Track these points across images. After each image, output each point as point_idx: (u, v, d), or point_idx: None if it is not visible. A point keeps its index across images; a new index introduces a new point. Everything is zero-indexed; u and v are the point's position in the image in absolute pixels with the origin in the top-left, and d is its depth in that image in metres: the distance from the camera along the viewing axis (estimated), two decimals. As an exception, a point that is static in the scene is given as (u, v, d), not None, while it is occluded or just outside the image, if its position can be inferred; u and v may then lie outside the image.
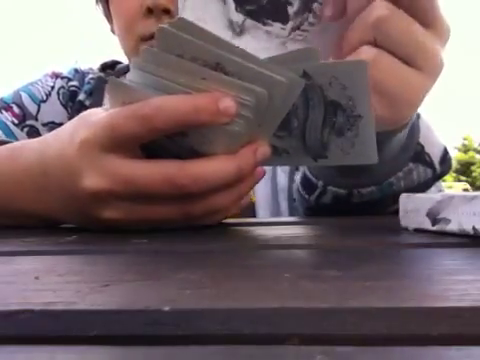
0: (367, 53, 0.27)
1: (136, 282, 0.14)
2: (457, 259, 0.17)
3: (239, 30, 0.29)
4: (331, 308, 0.11)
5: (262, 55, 0.26)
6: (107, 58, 0.67)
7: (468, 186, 14.61)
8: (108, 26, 0.61)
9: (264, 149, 0.28)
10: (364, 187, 0.37)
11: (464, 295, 0.12)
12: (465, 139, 20.72)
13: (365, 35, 0.28)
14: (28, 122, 0.57)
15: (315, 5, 0.29)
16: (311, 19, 0.30)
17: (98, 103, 0.58)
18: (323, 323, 0.10)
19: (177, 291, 0.13)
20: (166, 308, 0.11)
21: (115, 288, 0.14)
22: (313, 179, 0.40)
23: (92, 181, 0.27)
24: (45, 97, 0.59)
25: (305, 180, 0.42)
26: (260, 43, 0.29)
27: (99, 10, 0.61)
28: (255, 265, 0.17)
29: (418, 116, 0.38)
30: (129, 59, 0.59)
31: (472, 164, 20.12)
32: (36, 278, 0.15)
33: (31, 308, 0.11)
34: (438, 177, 0.40)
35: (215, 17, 0.28)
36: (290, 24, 0.30)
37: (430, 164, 0.38)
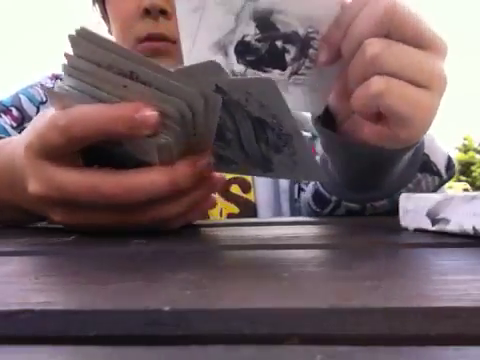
0: (377, 83, 0.28)
1: (136, 282, 0.14)
2: (457, 259, 0.17)
3: None
4: (331, 308, 0.11)
5: None
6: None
7: (468, 186, 14.61)
8: (106, 27, 0.61)
9: (203, 161, 0.27)
10: (377, 201, 0.38)
11: (464, 295, 0.12)
12: (465, 139, 20.72)
13: (366, 71, 0.29)
14: (26, 125, 0.57)
15: (311, 51, 0.31)
16: (307, 63, 0.32)
17: None
18: (323, 323, 0.10)
19: (177, 291, 0.13)
20: (166, 308, 0.11)
21: (115, 288, 0.14)
22: (326, 194, 0.41)
23: (34, 187, 0.28)
24: (44, 98, 0.59)
25: (317, 195, 0.42)
26: None
27: (96, 11, 0.61)
28: (255, 265, 0.17)
29: None
30: None
31: (472, 164, 20.12)
32: (36, 278, 0.15)
33: (31, 308, 0.11)
34: (443, 183, 0.41)
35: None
36: (288, 70, 0.32)
37: (437, 172, 0.39)
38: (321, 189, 0.41)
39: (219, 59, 0.31)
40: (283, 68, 0.32)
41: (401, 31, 0.28)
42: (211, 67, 0.24)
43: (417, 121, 0.30)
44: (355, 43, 0.29)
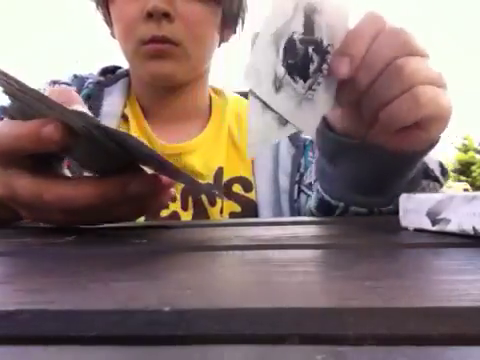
0: (425, 92, 0.30)
1: (136, 282, 0.14)
2: (457, 259, 0.17)
3: (278, 85, 0.30)
4: (331, 308, 0.11)
5: (291, 115, 0.29)
6: (107, 61, 0.68)
7: (468, 186, 14.61)
8: (108, 30, 0.61)
9: (134, 187, 0.29)
10: (385, 206, 0.39)
11: (464, 295, 0.12)
12: (465, 139, 20.71)
13: (403, 85, 0.30)
14: None
15: (324, 66, 0.31)
16: (319, 79, 0.31)
17: (95, 107, 0.58)
18: (323, 323, 0.10)
19: (177, 291, 0.13)
20: (166, 308, 0.11)
21: (115, 288, 0.14)
22: (332, 201, 0.41)
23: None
24: None
25: (322, 205, 0.43)
26: (290, 101, 0.30)
27: (99, 15, 0.61)
28: (255, 265, 0.17)
29: None
30: (130, 62, 0.59)
31: (472, 164, 20.11)
32: (36, 278, 0.15)
33: (31, 308, 0.11)
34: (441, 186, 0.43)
35: (267, 64, 0.29)
36: (308, 83, 0.31)
37: (436, 178, 0.41)
38: (326, 197, 0.42)
39: (272, 54, 0.29)
40: (306, 79, 0.30)
41: (412, 47, 0.31)
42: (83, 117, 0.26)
43: (446, 119, 0.32)
44: (382, 60, 0.31)
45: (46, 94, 0.30)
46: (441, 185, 0.42)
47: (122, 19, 0.55)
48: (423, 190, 0.40)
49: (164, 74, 0.55)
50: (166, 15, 0.51)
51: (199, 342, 0.10)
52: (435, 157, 0.44)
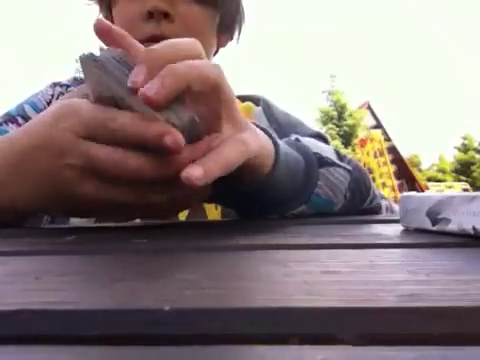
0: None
1: (136, 282, 0.14)
2: (457, 259, 0.17)
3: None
4: (331, 308, 0.11)
5: None
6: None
7: (468, 186, 14.61)
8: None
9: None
10: (294, 209, 0.41)
11: (464, 295, 0.12)
12: (465, 139, 20.72)
13: None
14: None
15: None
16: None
17: None
18: (323, 323, 0.10)
19: (177, 291, 0.13)
20: (166, 308, 0.11)
21: (115, 288, 0.14)
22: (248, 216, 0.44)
23: (70, 158, 0.30)
24: (47, 105, 0.62)
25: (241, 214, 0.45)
26: None
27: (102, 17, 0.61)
28: (255, 264, 0.17)
29: (297, 139, 0.45)
30: None
31: (472, 164, 20.11)
32: (36, 278, 0.15)
33: (31, 308, 0.11)
34: (355, 175, 0.46)
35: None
36: None
37: (332, 163, 0.44)
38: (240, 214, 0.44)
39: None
40: None
41: None
42: None
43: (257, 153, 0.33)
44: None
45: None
46: (344, 168, 0.45)
47: (123, 19, 0.55)
48: (325, 178, 0.42)
49: None
50: (166, 15, 0.52)
51: (199, 342, 0.10)
52: (325, 146, 0.47)
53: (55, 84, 0.65)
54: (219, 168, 0.28)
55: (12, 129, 0.58)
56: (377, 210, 0.51)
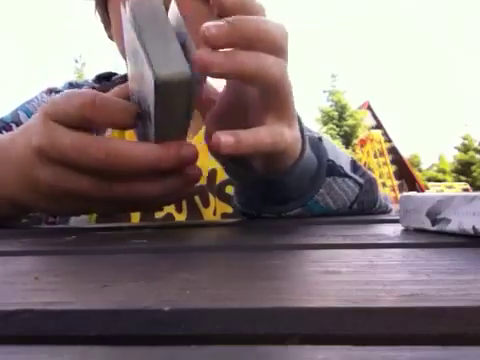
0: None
1: (136, 282, 0.14)
2: (457, 259, 0.17)
3: None
4: (331, 308, 0.11)
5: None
6: (106, 61, 0.68)
7: (468, 186, 14.61)
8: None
9: (189, 148, 0.31)
10: (291, 210, 0.41)
11: (464, 295, 0.12)
12: (465, 139, 20.71)
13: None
14: None
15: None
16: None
17: None
18: (323, 323, 0.10)
19: (177, 291, 0.13)
20: (166, 308, 0.11)
21: (115, 288, 0.14)
22: (247, 211, 0.43)
23: (37, 139, 0.30)
24: None
25: (241, 211, 0.45)
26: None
27: (98, 17, 0.61)
28: (255, 265, 0.17)
29: (320, 139, 0.43)
30: (125, 60, 0.59)
31: (472, 164, 20.11)
32: (36, 278, 0.15)
33: (31, 308, 0.11)
34: (366, 188, 0.45)
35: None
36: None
37: (345, 175, 0.43)
38: (241, 208, 0.44)
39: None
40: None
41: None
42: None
43: (280, 154, 0.33)
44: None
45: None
46: (354, 181, 0.43)
47: (119, 14, 0.55)
48: (330, 186, 0.41)
49: None
50: None
51: (199, 342, 0.10)
52: (346, 154, 0.46)
53: (50, 90, 0.65)
54: (249, 146, 0.28)
55: None
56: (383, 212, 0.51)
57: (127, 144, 0.30)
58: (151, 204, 0.34)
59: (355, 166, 0.45)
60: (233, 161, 0.36)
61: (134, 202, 0.33)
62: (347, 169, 0.44)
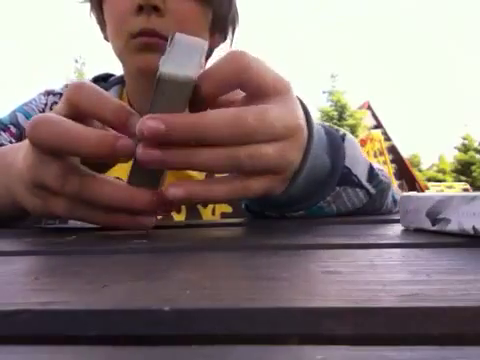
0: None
1: (136, 282, 0.14)
2: (457, 259, 0.17)
3: None
4: (331, 308, 0.11)
5: None
6: (106, 61, 0.68)
7: (468, 186, 14.61)
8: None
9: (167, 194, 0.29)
10: (295, 212, 0.40)
11: (464, 295, 0.12)
12: (465, 139, 20.71)
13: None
14: (24, 139, 0.59)
15: None
16: None
17: None
18: (323, 323, 0.10)
19: (177, 291, 0.13)
20: (166, 308, 0.11)
21: (115, 288, 0.14)
22: (250, 207, 0.43)
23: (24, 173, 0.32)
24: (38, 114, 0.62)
25: (245, 207, 0.45)
26: None
27: (93, 18, 0.61)
28: (255, 265, 0.17)
29: (343, 138, 0.40)
30: (121, 60, 0.59)
31: (472, 164, 20.10)
32: (36, 278, 0.15)
33: (31, 308, 0.11)
34: (376, 198, 0.42)
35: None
36: None
37: (358, 184, 0.40)
38: (243, 204, 0.44)
39: None
40: None
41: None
42: None
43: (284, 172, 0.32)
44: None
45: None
46: (368, 192, 0.41)
47: (114, 13, 0.55)
48: (338, 195, 0.39)
49: (152, 68, 0.55)
50: (156, 9, 0.52)
51: (199, 342, 0.10)
52: (366, 159, 0.42)
53: (48, 93, 0.65)
54: (201, 198, 0.29)
55: (5, 139, 0.58)
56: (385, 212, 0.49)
57: (104, 185, 0.30)
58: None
59: (372, 174, 0.42)
60: None
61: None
62: (363, 179, 0.40)
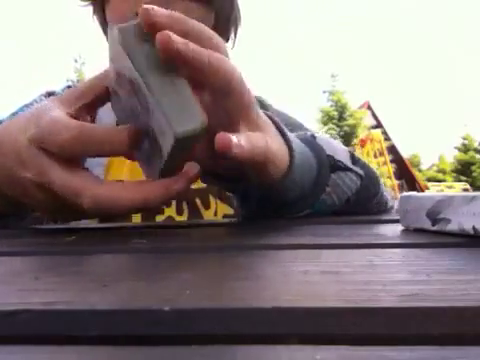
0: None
1: (136, 282, 0.14)
2: (457, 259, 0.17)
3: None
4: (331, 308, 0.11)
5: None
6: (105, 61, 0.68)
7: (468, 186, 14.60)
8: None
9: (176, 186, 0.30)
10: (295, 213, 0.40)
11: (464, 295, 0.12)
12: (465, 139, 20.71)
13: None
14: None
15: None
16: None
17: None
18: (323, 323, 0.10)
19: (177, 291, 0.13)
20: (166, 308, 0.11)
21: (115, 288, 0.14)
22: (247, 214, 0.44)
23: (21, 169, 0.31)
24: None
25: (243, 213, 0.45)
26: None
27: (96, 20, 0.61)
28: (255, 265, 0.17)
29: (313, 136, 0.42)
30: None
31: (472, 164, 20.10)
32: (36, 278, 0.15)
33: (31, 308, 0.11)
34: (367, 178, 0.44)
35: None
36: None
37: (345, 168, 0.42)
38: (241, 210, 0.44)
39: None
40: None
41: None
42: None
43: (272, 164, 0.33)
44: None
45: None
46: (355, 173, 0.43)
47: (116, 17, 0.55)
48: (335, 183, 0.40)
49: None
50: None
51: (199, 342, 0.10)
52: (342, 146, 0.45)
53: (49, 94, 0.64)
54: (249, 150, 0.28)
55: None
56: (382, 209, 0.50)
57: (120, 191, 0.29)
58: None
59: (353, 158, 0.45)
60: (218, 178, 0.36)
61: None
62: (348, 163, 0.43)
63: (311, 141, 0.41)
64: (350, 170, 0.42)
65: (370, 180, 0.45)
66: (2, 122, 0.60)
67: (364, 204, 0.46)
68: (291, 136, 0.36)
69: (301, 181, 0.37)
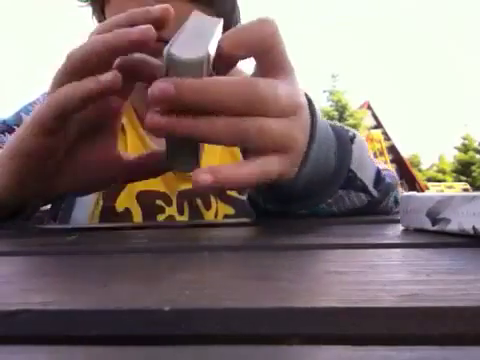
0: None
1: (136, 282, 0.14)
2: (457, 259, 0.17)
3: None
4: (331, 308, 0.11)
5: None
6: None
7: (468, 186, 14.60)
8: None
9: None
10: (297, 210, 0.39)
11: (465, 295, 0.12)
12: (465, 139, 20.70)
13: None
14: None
15: None
16: None
17: None
18: (323, 323, 0.10)
19: (177, 291, 0.13)
20: (166, 308, 0.11)
21: (115, 288, 0.14)
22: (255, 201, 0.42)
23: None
24: None
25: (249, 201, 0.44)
26: None
27: (95, 22, 0.61)
28: (255, 265, 0.17)
29: (352, 140, 0.39)
30: None
31: (472, 164, 20.10)
32: (36, 278, 0.15)
33: (31, 308, 0.11)
34: (379, 201, 0.41)
35: None
36: None
37: (363, 189, 0.39)
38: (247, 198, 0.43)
39: None
40: None
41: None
42: None
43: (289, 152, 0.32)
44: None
45: None
46: (371, 196, 0.40)
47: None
48: (341, 199, 0.38)
49: None
50: None
51: (199, 342, 0.10)
52: (374, 163, 0.41)
53: None
54: (230, 183, 0.28)
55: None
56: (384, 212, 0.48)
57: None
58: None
59: (378, 179, 0.41)
60: None
61: None
62: (369, 183, 0.39)
63: (345, 144, 0.38)
64: (365, 192, 0.39)
65: (383, 197, 0.42)
66: (6, 122, 0.60)
67: (365, 213, 0.44)
68: (323, 123, 0.35)
69: (304, 190, 0.36)
